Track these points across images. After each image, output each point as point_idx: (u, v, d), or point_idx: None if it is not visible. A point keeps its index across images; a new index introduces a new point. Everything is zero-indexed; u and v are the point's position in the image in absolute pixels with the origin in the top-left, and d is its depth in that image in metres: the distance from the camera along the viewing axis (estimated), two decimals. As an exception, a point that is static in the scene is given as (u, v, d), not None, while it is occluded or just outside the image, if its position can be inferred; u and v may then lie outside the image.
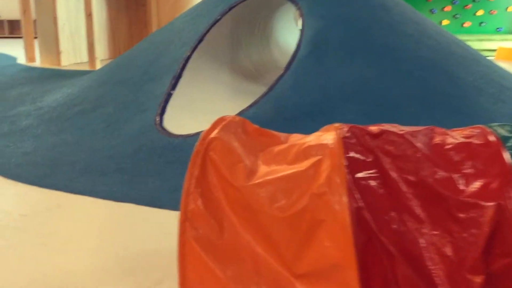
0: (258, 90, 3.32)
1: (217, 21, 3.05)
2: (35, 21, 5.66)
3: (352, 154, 1.10)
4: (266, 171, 1.14)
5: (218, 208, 1.13)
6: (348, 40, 2.73)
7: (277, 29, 4.22)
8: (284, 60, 4.12)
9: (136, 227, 1.67)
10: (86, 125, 2.65)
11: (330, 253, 1.02)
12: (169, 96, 2.60)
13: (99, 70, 3.53)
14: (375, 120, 2.39)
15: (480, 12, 9.43)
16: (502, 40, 8.67)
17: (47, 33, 5.44)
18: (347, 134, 1.15)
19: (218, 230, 1.11)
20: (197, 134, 2.28)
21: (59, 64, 5.49)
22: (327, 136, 1.16)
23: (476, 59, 3.01)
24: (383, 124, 1.19)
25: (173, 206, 1.84)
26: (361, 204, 1.03)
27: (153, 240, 1.58)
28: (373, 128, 1.17)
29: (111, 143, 2.37)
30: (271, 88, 2.48)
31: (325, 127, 1.28)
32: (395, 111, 2.39)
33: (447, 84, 2.59)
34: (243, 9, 3.27)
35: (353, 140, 1.13)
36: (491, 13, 9.58)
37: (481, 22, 9.68)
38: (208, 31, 3.00)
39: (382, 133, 1.14)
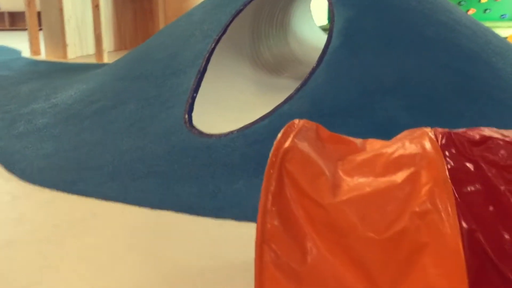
0: (281, 84, 3.18)
1: (239, 11, 2.90)
2: (39, 13, 5.48)
3: (452, 164, 0.96)
4: (352, 185, 1.01)
5: (298, 228, 1.00)
6: (382, 30, 2.58)
7: (294, 20, 4.06)
8: (301, 52, 3.99)
9: (180, 238, 1.54)
10: (108, 123, 2.51)
11: (437, 282, 0.89)
12: (195, 92, 2.45)
13: (113, 64, 3.38)
14: (418, 116, 2.27)
15: (484, -1, 9.28)
16: (508, 27, 8.52)
17: (53, 25, 5.27)
18: (444, 141, 1.01)
19: (300, 254, 0.97)
20: (231, 133, 2.15)
21: (65, 57, 5.32)
22: (420, 143, 1.02)
23: (510, 49, 2.87)
24: (481, 128, 1.05)
25: (215, 214, 1.71)
26: (472, 224, 0.90)
27: (204, 254, 1.45)
28: (473, 134, 1.03)
29: (138, 143, 2.23)
30: (304, 83, 2.34)
31: (408, 131, 1.15)
32: (439, 106, 2.26)
33: (489, 75, 2.45)
34: (263, 0, 3.12)
35: (452, 149, 0.99)
36: (496, 0, 9.42)
37: (486, 9, 9.51)
38: (231, 22, 2.85)
39: (485, 140, 1.00)
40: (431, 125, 2.19)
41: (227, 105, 2.58)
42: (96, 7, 4.84)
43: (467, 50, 2.57)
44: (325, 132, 1.15)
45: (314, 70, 2.40)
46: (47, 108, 2.91)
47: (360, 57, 2.45)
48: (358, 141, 1.18)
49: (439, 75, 2.39)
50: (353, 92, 2.31)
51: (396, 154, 1.02)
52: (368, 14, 2.64)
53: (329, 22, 7.57)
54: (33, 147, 2.38)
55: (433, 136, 1.03)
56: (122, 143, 2.28)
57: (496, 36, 2.98)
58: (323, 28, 5.13)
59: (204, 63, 2.64)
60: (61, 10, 5.11)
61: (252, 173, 1.94)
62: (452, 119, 2.21)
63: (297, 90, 2.32)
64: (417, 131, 1.08)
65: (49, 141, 2.42)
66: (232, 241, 1.53)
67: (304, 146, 1.07)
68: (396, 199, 0.95)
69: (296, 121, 1.17)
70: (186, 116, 2.29)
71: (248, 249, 1.39)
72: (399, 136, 1.16)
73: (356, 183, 1.01)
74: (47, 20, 5.35)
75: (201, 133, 2.16)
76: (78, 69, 4.32)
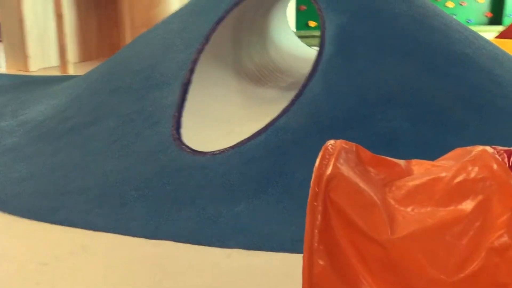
0: (266, 95, 3.04)
1: (222, 19, 2.74)
2: (-2, 23, 5.19)
3: (526, 190, 0.84)
4: (410, 216, 0.87)
5: (349, 268, 0.85)
6: (376, 36, 2.48)
7: (272, 27, 3.94)
8: (282, 61, 3.86)
9: (184, 272, 1.38)
10: (86, 142, 2.31)
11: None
12: (182, 106, 2.28)
13: (85, 76, 3.16)
14: (422, 126, 2.16)
15: (450, 4, 9.41)
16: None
17: (13, 36, 4.98)
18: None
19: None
20: (226, 151, 1.99)
21: (27, 69, 5.03)
22: (485, 165, 0.89)
23: (503, 54, 2.82)
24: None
25: (219, 242, 1.55)
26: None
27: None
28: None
29: (123, 163, 2.04)
30: (300, 93, 2.21)
31: (460, 150, 1.02)
32: (441, 115, 2.16)
33: (488, 82, 2.38)
34: (244, 6, 2.97)
35: (523, 172, 0.87)
36: (461, 5, 9.58)
37: (452, 14, 9.66)
38: (214, 30, 2.70)
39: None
40: (436, 136, 2.11)
41: (215, 118, 2.41)
42: (59, 16, 4.59)
43: (463, 56, 2.49)
44: (366, 153, 1.01)
45: (309, 79, 2.27)
46: (16, 126, 2.68)
47: (356, 65, 2.34)
48: (401, 162, 1.04)
49: (438, 83, 2.30)
50: (352, 102, 2.19)
51: (457, 179, 0.89)
52: (360, 20, 2.54)
53: (297, 29, 7.49)
54: (3, 170, 2.15)
55: (498, 156, 0.90)
56: (105, 163, 2.09)
57: (487, 40, 2.92)
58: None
59: (188, 75, 2.48)
60: (21, 20, 4.83)
61: (253, 194, 1.79)
62: (457, 129, 2.12)
63: (293, 101, 2.19)
64: (473, 150, 0.95)
65: (21, 163, 2.20)
66: (244, 274, 1.37)
67: (347, 171, 0.93)
68: (467, 233, 0.82)
69: (332, 141, 1.03)
70: (175, 132, 2.12)
71: (263, 283, 1.24)
72: (448, 155, 1.03)
73: (414, 214, 0.87)
74: (7, 31, 5.05)
75: (193, 151, 1.99)
76: (44, 82, 4.07)
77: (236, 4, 2.78)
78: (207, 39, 2.66)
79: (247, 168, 1.89)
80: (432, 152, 2.03)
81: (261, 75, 3.31)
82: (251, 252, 1.48)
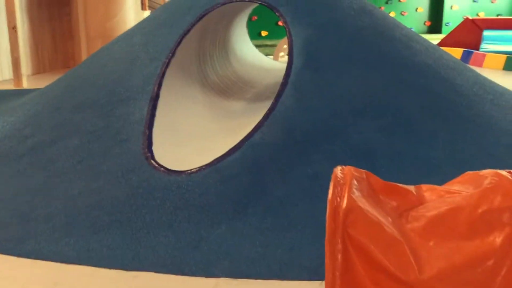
0: (234, 107, 3.00)
1: (187, 32, 2.68)
2: None
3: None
4: (435, 252, 0.83)
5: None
6: (342, 49, 2.48)
7: (234, 39, 3.90)
8: (244, 72, 3.83)
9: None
10: (49, 163, 2.19)
11: None
12: (152, 122, 2.20)
13: (44, 91, 3.02)
14: (394, 138, 2.16)
15: (392, 14, 9.65)
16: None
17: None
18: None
19: None
20: (202, 169, 1.92)
21: (-24, 83, 4.80)
22: (506, 193, 0.85)
23: (459, 63, 2.89)
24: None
25: (203, 270, 1.48)
26: None
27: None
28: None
29: (91, 185, 1.95)
30: (273, 108, 2.17)
31: (472, 174, 0.98)
32: (411, 126, 2.18)
33: (452, 92, 2.42)
34: (207, 18, 2.92)
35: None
36: (403, 14, 9.85)
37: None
38: (179, 43, 2.63)
39: None
40: (408, 146, 2.11)
41: (185, 134, 2.35)
42: (13, 29, 4.39)
43: (425, 67, 2.53)
44: (377, 181, 0.98)
45: (280, 92, 2.24)
46: (-31, 147, 2.52)
47: (325, 77, 2.33)
48: (411, 188, 1.01)
49: (406, 94, 2.32)
50: (324, 115, 2.17)
51: (480, 209, 0.86)
52: (326, 32, 2.53)
53: (250, 39, 7.53)
54: (-41, 196, 2.01)
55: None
56: (71, 186, 1.98)
57: (443, 51, 2.98)
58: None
59: (156, 89, 2.40)
60: (-30, 31, 4.60)
61: (233, 215, 1.73)
62: (427, 139, 2.13)
63: (266, 115, 2.14)
64: (487, 175, 0.92)
65: (-21, 188, 2.06)
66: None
67: (363, 203, 0.88)
68: (499, 271, 0.79)
69: (340, 168, 0.98)
70: (146, 150, 2.04)
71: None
72: (458, 180, 1.00)
73: (438, 249, 0.83)
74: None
75: (167, 170, 1.92)
76: (-4, 96, 3.87)
77: (201, 17, 2.72)
78: (173, 53, 2.59)
79: (225, 187, 1.84)
80: (406, 164, 2.05)
81: (226, 86, 3.26)
82: (239, 281, 1.42)
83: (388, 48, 2.54)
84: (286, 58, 5.36)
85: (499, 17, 7.67)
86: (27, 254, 1.57)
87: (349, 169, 0.98)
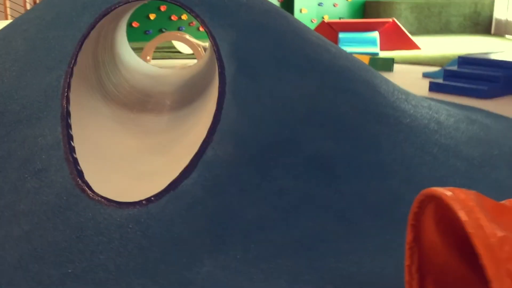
0: (143, 120, 2.67)
1: (87, 35, 2.30)
2: None
3: None
4: None
5: None
6: (269, 52, 2.35)
7: (119, 43, 3.52)
8: (133, 79, 3.47)
9: None
10: None
11: None
12: (70, 145, 1.81)
13: None
14: (345, 144, 2.09)
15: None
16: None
17: None
18: None
19: None
20: (158, 197, 1.62)
21: None
22: None
23: (367, 65, 2.96)
24: None
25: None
26: None
27: None
28: None
29: (12, 233, 1.52)
30: (217, 120, 1.94)
31: None
32: (355, 131, 2.13)
33: (377, 94, 2.45)
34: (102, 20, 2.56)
35: None
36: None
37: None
38: (80, 48, 2.24)
39: None
40: (358, 152, 2.06)
41: (110, 156, 1.99)
42: None
43: (347, 70, 2.52)
44: (488, 201, 0.85)
45: (221, 103, 2.01)
46: None
47: (262, 84, 2.17)
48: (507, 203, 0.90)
49: (341, 99, 2.27)
50: (272, 126, 2.01)
51: None
52: (250, 35, 2.37)
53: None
54: None
55: None
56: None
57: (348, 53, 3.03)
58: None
59: (65, 104, 1.99)
60: None
61: (212, 247, 1.48)
62: (372, 144, 2.10)
63: (213, 130, 1.91)
64: None
65: None
66: None
67: (504, 230, 0.75)
68: None
69: (442, 190, 0.83)
70: (79, 180, 1.66)
71: None
72: None
73: None
74: None
75: (116, 203, 1.58)
76: None
77: (102, 17, 2.35)
78: (75, 59, 2.18)
79: (192, 215, 1.57)
80: (363, 169, 1.99)
81: (124, 97, 2.91)
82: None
83: (312, 52, 2.47)
84: (156, 61, 4.99)
85: (353, 20, 8.25)
86: None
87: (459, 191, 0.84)
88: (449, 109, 2.84)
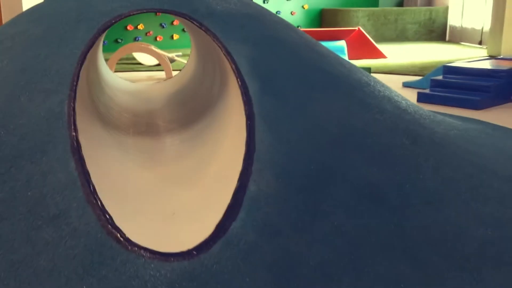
0: (143, 144, 2.40)
1: (86, 52, 2.03)
2: None
3: None
4: None
5: None
6: (289, 67, 2.17)
7: (98, 59, 3.22)
8: (116, 97, 3.17)
9: None
10: None
11: None
12: (89, 184, 1.55)
13: None
14: (388, 171, 1.91)
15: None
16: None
17: None
18: None
19: None
20: (209, 246, 1.39)
21: None
22: None
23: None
24: None
25: None
26: None
27: None
28: None
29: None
30: (251, 148, 1.73)
31: None
32: (393, 155, 1.97)
33: (406, 115, 2.29)
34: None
35: None
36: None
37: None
38: (81, 68, 1.97)
39: None
40: (401, 178, 1.89)
41: (129, 193, 1.73)
42: None
43: (366, 85, 2.37)
44: None
45: (251, 127, 1.80)
46: None
47: (288, 103, 1.98)
48: None
49: (372, 118, 2.11)
50: (308, 151, 1.82)
51: None
52: (266, 50, 2.19)
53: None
54: None
55: None
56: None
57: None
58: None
59: (74, 134, 1.72)
60: None
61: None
62: (414, 168, 1.94)
63: (249, 159, 1.69)
64: None
65: None
66: None
67: None
68: None
69: None
70: (109, 227, 1.40)
71: None
72: None
73: None
74: None
75: (161, 254, 1.33)
76: None
77: (102, 31, 2.09)
78: (77, 80, 1.91)
79: (250, 265, 1.35)
80: (416, 200, 1.82)
81: (116, 118, 2.63)
82: None
83: (329, 67, 2.31)
84: (118, 74, 4.67)
85: (319, 28, 8.19)
86: None
87: None
88: (463, 123, 2.75)
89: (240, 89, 1.95)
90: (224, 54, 2.08)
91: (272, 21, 2.40)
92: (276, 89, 2.00)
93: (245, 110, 1.86)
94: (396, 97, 2.43)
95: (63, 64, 1.97)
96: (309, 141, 1.85)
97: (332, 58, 2.44)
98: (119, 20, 2.14)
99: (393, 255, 1.50)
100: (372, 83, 2.41)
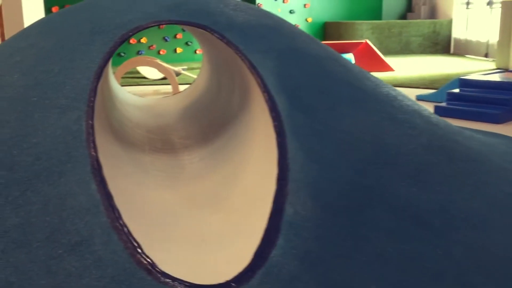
0: (159, 163, 2.28)
1: (103, 66, 1.93)
2: None
3: None
4: None
5: None
6: (314, 80, 2.07)
7: (108, 70, 3.10)
8: (127, 113, 3.06)
9: None
10: None
11: None
12: (113, 209, 1.43)
13: None
14: (429, 192, 1.79)
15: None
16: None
17: None
18: None
19: None
20: (249, 276, 1.27)
21: None
22: None
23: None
24: None
25: None
26: None
27: None
28: None
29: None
30: (285, 168, 1.61)
31: None
32: (431, 174, 1.85)
33: (438, 130, 2.17)
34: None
35: None
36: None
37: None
38: (98, 83, 1.86)
39: None
40: (443, 199, 1.78)
41: (153, 218, 1.61)
42: None
43: (394, 99, 2.26)
44: None
45: (283, 144, 1.69)
46: None
47: (318, 119, 1.87)
48: None
49: (404, 133, 2.00)
50: (343, 168, 1.71)
51: None
52: (289, 62, 2.09)
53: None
54: None
55: None
56: None
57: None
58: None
59: (94, 153, 1.60)
60: None
61: None
62: (455, 188, 1.83)
63: (283, 180, 1.57)
64: None
65: None
66: None
67: None
68: None
69: None
70: (139, 256, 1.27)
71: None
72: None
73: None
74: None
75: (198, 286, 1.21)
76: None
77: (118, 44, 1.98)
78: (94, 95, 1.80)
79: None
80: (462, 224, 1.70)
81: (130, 135, 2.52)
82: None
83: (355, 80, 2.21)
84: (125, 88, 4.54)
85: (327, 41, 8.12)
86: None
87: None
88: (488, 138, 2.65)
89: (268, 105, 1.84)
90: (248, 68, 1.98)
91: (291, 32, 2.31)
92: (305, 105, 1.89)
93: (275, 127, 1.75)
94: (424, 111, 2.32)
95: (78, 79, 1.87)
96: (342, 159, 1.73)
97: (357, 71, 2.34)
98: (137, 32, 2.03)
99: (444, 284, 1.38)
100: (400, 97, 2.30)
